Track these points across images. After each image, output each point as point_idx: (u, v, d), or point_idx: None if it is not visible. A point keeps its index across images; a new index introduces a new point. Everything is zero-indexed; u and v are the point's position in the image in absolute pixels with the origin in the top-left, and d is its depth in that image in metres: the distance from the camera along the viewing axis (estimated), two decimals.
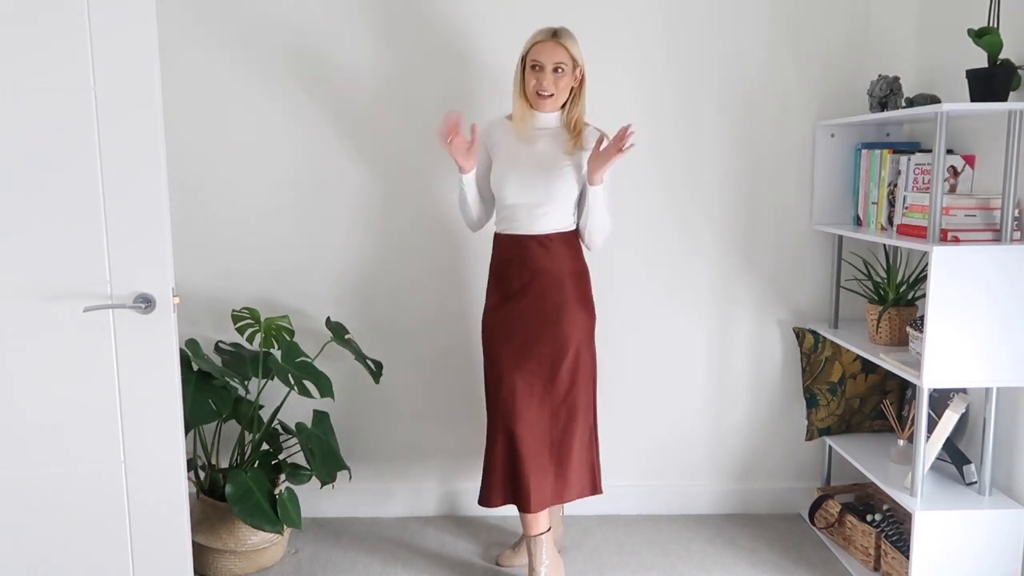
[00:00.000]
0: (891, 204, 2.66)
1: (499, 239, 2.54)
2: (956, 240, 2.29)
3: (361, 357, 2.76)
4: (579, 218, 2.50)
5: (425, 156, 2.90)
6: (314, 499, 3.00)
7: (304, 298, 2.96)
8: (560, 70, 2.39)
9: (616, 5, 2.85)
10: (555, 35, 2.40)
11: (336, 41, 2.83)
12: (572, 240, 2.50)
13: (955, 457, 2.54)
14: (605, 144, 2.38)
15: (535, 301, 2.45)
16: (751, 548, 2.86)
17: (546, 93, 2.40)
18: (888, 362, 2.52)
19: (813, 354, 2.94)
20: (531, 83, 2.41)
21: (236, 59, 2.82)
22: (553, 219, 2.45)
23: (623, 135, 2.29)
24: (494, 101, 2.77)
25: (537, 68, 2.40)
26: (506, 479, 2.50)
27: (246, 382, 2.72)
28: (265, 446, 2.79)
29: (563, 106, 2.47)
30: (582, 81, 2.45)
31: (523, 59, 2.44)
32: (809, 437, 2.98)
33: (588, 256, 2.57)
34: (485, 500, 2.52)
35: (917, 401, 2.38)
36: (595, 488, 2.60)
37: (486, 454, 2.54)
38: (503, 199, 2.46)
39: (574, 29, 2.45)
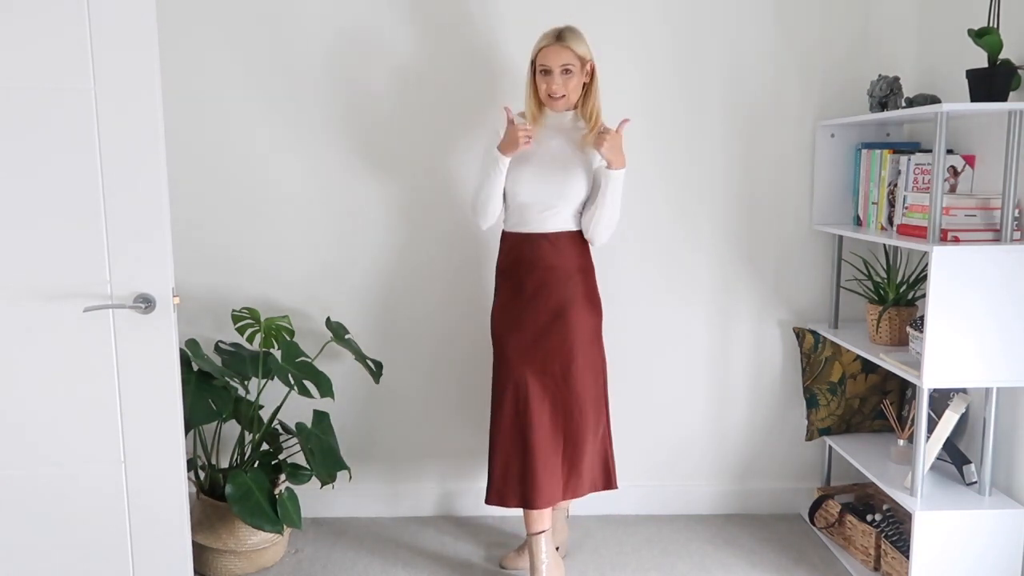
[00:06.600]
0: (891, 204, 2.66)
1: (508, 237, 2.56)
2: (956, 240, 2.29)
3: (361, 357, 2.76)
4: (585, 215, 2.50)
5: (424, 155, 2.90)
6: (314, 499, 3.00)
7: (304, 298, 2.96)
8: (568, 71, 2.42)
9: (617, 5, 2.84)
10: (559, 38, 2.41)
11: (333, 41, 2.83)
12: (578, 238, 2.54)
13: (955, 457, 2.54)
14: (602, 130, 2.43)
15: (545, 299, 2.48)
16: (751, 548, 2.86)
17: (557, 95, 2.43)
18: (888, 362, 2.52)
19: (813, 354, 2.94)
20: (542, 87, 2.45)
21: (237, 58, 2.82)
22: (563, 218, 2.48)
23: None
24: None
25: (546, 72, 2.43)
26: (517, 476, 2.50)
27: (246, 382, 2.72)
28: (265, 446, 2.80)
29: (576, 104, 2.49)
30: (593, 75, 2.47)
31: (532, 63, 2.46)
32: (809, 437, 2.98)
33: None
34: (498, 499, 2.51)
35: (917, 401, 2.38)
36: (609, 482, 2.64)
37: (494, 451, 2.53)
38: (515, 196, 2.48)
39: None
